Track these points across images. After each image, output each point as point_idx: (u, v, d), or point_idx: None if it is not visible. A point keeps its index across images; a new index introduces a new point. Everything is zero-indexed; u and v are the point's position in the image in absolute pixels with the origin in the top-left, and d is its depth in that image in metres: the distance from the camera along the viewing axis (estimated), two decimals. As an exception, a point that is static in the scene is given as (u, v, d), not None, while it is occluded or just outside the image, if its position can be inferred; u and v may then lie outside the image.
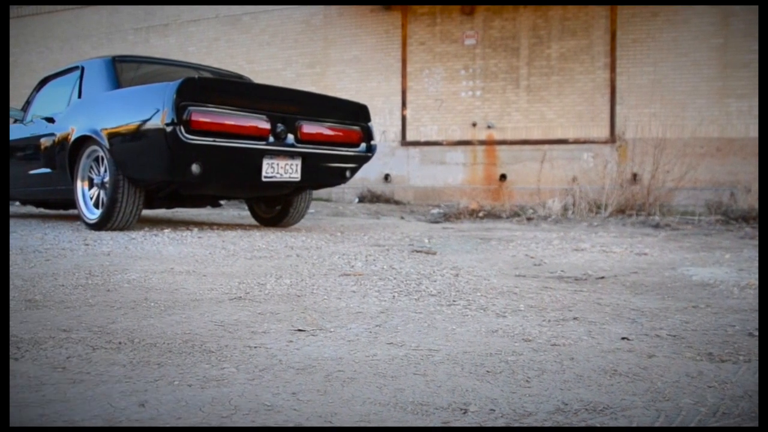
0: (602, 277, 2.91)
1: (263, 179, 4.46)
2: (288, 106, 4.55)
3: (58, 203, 5.96)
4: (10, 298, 2.17)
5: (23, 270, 2.76)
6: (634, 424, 1.13)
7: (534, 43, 9.73)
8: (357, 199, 10.03)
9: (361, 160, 5.08)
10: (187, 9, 11.20)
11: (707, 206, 7.90)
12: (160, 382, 1.33)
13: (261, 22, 10.91)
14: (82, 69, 5.10)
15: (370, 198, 10.03)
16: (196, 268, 2.90)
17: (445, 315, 2.02)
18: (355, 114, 5.05)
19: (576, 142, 9.59)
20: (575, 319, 2.01)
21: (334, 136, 4.80)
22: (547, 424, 1.13)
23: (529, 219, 7.19)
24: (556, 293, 2.47)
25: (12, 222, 5.53)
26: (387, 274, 2.81)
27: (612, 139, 9.46)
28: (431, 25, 10.18)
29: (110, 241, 3.92)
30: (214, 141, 4.08)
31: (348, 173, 5.07)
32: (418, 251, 3.69)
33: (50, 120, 5.11)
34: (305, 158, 4.64)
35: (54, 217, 6.52)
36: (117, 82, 4.72)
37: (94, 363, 1.46)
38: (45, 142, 5.11)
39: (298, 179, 4.66)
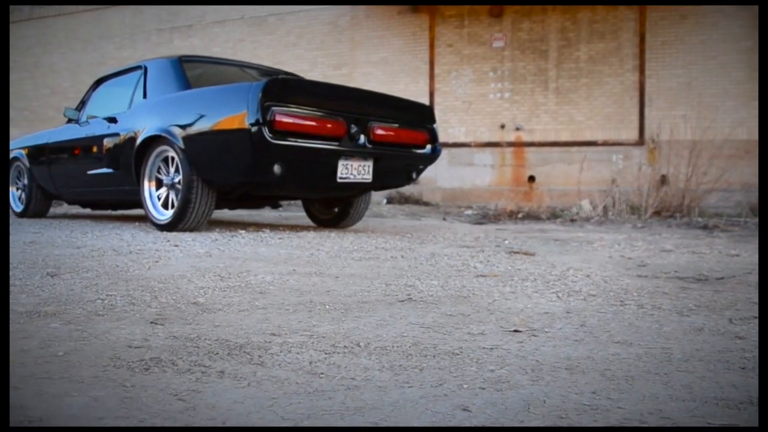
0: (721, 278, 2.92)
1: (338, 180, 4.44)
2: (361, 107, 4.54)
3: (108, 204, 5.91)
4: (173, 301, 2.15)
5: (145, 272, 2.74)
6: None
7: (562, 46, 9.77)
8: (385, 201, 10.02)
9: (427, 161, 5.08)
10: (212, 10, 11.15)
11: (741, 208, 7.96)
12: (440, 388, 1.32)
13: (287, 24, 10.88)
14: (145, 69, 5.06)
15: (398, 199, 10.02)
16: (318, 270, 2.88)
17: (629, 314, 2.02)
18: (422, 115, 5.05)
19: (605, 144, 9.63)
20: (755, 317, 2.01)
21: (403, 137, 4.80)
22: None
23: (572, 220, 7.21)
24: (696, 293, 2.48)
25: (66, 223, 5.48)
26: (519, 274, 2.80)
27: (641, 141, 9.50)
28: (459, 27, 10.20)
29: (193, 241, 3.90)
30: (296, 142, 4.06)
31: (414, 174, 5.07)
32: (516, 252, 3.69)
33: (112, 120, 5.07)
34: (377, 159, 4.63)
35: (104, 217, 6.46)
36: (187, 82, 4.69)
37: (341, 367, 1.45)
38: (108, 142, 5.06)
39: (370, 180, 4.65)
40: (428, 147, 5.03)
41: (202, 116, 4.25)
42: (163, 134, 4.45)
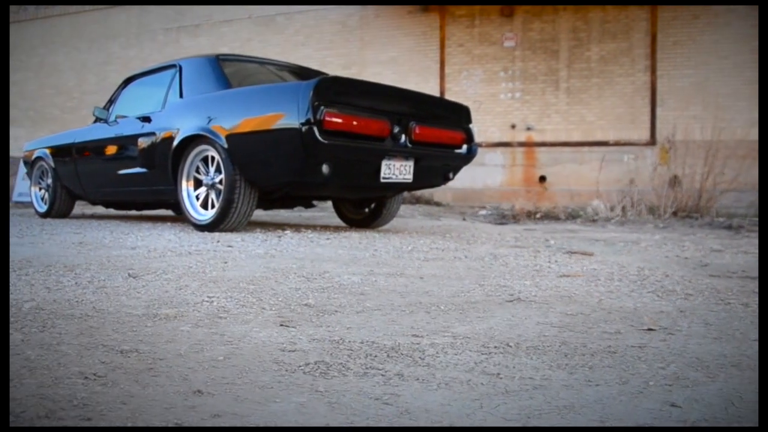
0: (794, 276, 2.93)
1: (381, 180, 4.42)
2: (402, 107, 4.51)
3: (138, 204, 5.83)
4: (282, 303, 2.12)
5: (223, 273, 2.70)
6: None
7: (574, 46, 9.81)
8: (397, 201, 9.98)
9: (463, 161, 5.07)
10: (219, 9, 11.07)
11: (754, 208, 8.02)
12: (628, 386, 1.30)
13: (296, 23, 10.83)
14: (180, 68, 5.00)
15: (409, 200, 10.00)
16: (394, 270, 2.86)
17: (741, 312, 2.02)
18: (459, 115, 5.04)
19: (616, 144, 9.67)
20: None
21: (442, 137, 4.78)
22: None
23: (593, 221, 7.23)
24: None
25: (97, 223, 5.39)
26: (599, 274, 2.80)
27: (652, 141, 9.56)
28: (470, 27, 10.20)
29: (242, 242, 3.85)
30: (344, 141, 4.03)
31: (451, 174, 5.06)
32: (573, 252, 3.68)
33: (146, 119, 5.00)
34: (417, 159, 4.61)
35: (130, 218, 6.36)
36: (227, 81, 4.64)
37: (510, 367, 1.43)
38: (142, 141, 4.99)
39: (411, 180, 4.63)
40: (464, 147, 5.02)
41: (248, 115, 4.21)
42: (204, 133, 4.39)
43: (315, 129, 3.85)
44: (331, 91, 4.02)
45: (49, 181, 6.10)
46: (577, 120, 9.84)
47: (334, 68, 10.73)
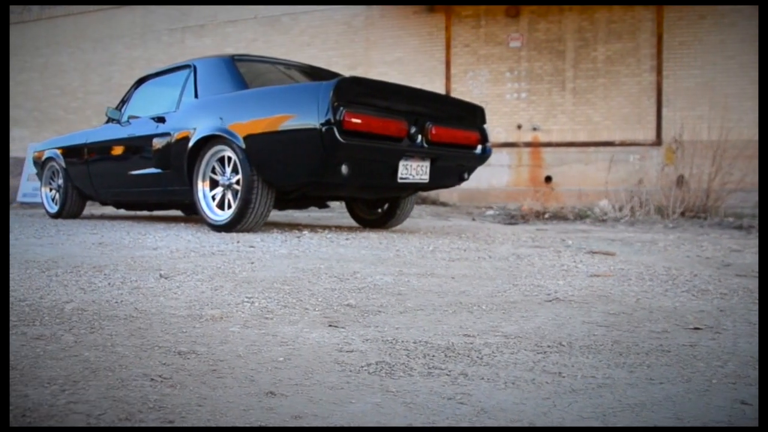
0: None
1: (398, 180, 4.42)
2: (418, 107, 4.51)
3: (150, 205, 5.81)
4: (323, 303, 2.11)
5: (253, 273, 2.70)
6: None
7: (580, 46, 9.82)
8: (403, 201, 9.98)
9: (478, 161, 5.08)
10: (224, 9, 11.06)
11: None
12: (692, 384, 1.30)
13: (301, 23, 10.82)
14: (194, 68, 5.00)
15: (415, 200, 9.98)
16: (424, 271, 2.86)
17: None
18: (474, 115, 5.05)
19: (622, 144, 9.69)
20: None
21: (457, 137, 4.78)
22: None
23: (602, 221, 7.24)
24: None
25: (110, 224, 5.38)
26: (628, 274, 2.80)
27: (658, 141, 9.58)
28: (475, 27, 10.21)
29: (262, 242, 3.85)
30: (363, 142, 4.02)
31: (466, 175, 5.06)
32: (595, 252, 3.69)
33: (160, 119, 4.99)
34: (434, 160, 4.61)
35: (142, 218, 6.35)
36: (243, 82, 4.63)
37: (569, 366, 1.43)
38: (156, 142, 4.98)
39: (427, 181, 4.63)
40: (479, 147, 5.02)
41: (266, 115, 4.20)
42: (221, 134, 4.39)
43: (335, 129, 3.85)
44: (351, 91, 4.02)
45: (60, 181, 6.08)
46: (583, 120, 9.85)
47: (339, 69, 10.72)
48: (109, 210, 7.79)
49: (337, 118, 3.88)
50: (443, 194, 10.22)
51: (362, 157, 4.13)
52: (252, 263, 2.97)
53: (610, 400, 1.21)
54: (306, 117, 3.97)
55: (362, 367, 1.39)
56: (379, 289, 2.35)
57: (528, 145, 10.08)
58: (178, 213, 7.15)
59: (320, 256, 3.26)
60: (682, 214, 7.84)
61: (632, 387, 1.30)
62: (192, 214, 6.25)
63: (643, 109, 9.62)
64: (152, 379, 1.29)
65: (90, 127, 6.30)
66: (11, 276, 2.61)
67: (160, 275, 2.59)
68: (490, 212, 8.72)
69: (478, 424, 1.08)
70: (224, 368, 1.37)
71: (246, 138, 4.25)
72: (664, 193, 8.07)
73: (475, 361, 1.45)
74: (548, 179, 10.05)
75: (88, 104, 11.86)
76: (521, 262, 3.15)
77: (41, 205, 6.89)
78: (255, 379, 1.30)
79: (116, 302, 2.08)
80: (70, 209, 6.07)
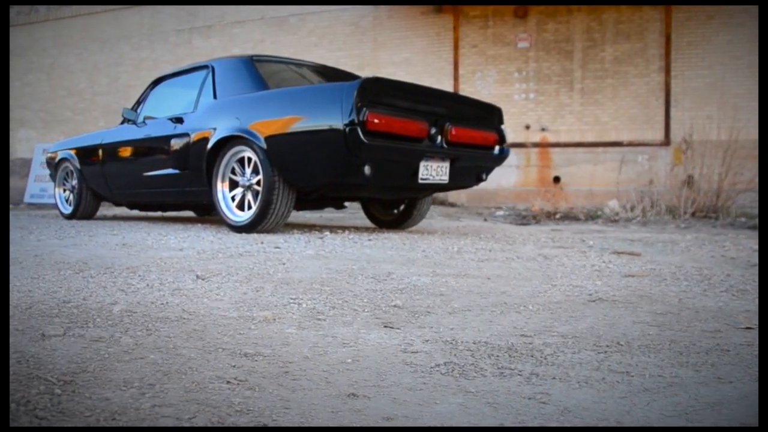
0: None
1: (419, 181, 4.42)
2: (438, 108, 4.52)
3: (167, 205, 5.81)
4: (370, 304, 2.12)
5: (287, 274, 2.70)
6: None
7: (588, 46, 9.83)
8: (412, 202, 9.99)
9: (496, 162, 5.09)
10: (232, 10, 11.06)
11: (771, 207, 8.04)
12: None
13: (308, 24, 10.83)
14: (212, 69, 5.00)
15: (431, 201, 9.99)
16: (457, 272, 2.86)
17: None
18: (492, 116, 5.06)
19: (630, 144, 9.70)
20: None
21: (476, 138, 4.79)
22: None
23: (613, 221, 7.25)
24: None
25: (127, 225, 5.38)
26: (660, 274, 2.81)
27: (667, 141, 9.59)
28: (483, 28, 10.22)
29: (286, 243, 3.85)
30: (386, 142, 4.03)
31: (484, 175, 5.07)
32: (621, 253, 3.69)
33: (178, 120, 5.00)
34: (453, 160, 4.62)
35: (157, 219, 6.35)
36: (263, 82, 4.63)
37: (634, 365, 1.44)
38: (174, 143, 4.99)
39: (446, 182, 4.64)
40: (497, 148, 5.03)
41: (288, 116, 4.21)
42: (242, 134, 4.39)
43: (359, 130, 3.86)
44: (374, 92, 4.02)
45: (74, 182, 6.08)
46: (592, 120, 9.86)
47: (347, 69, 10.72)
48: (121, 211, 7.79)
49: (361, 118, 3.89)
50: (452, 194, 10.23)
51: (385, 158, 4.14)
52: (283, 264, 2.98)
53: (686, 399, 1.22)
54: (329, 117, 3.97)
55: (432, 368, 1.40)
56: (419, 290, 2.35)
57: (536, 145, 10.09)
58: (190, 214, 7.16)
59: (348, 257, 3.27)
60: (693, 214, 7.85)
61: (703, 386, 1.30)
62: (205, 215, 6.25)
63: (651, 110, 9.63)
64: (228, 382, 1.29)
65: (97, 128, 6.30)
66: (45, 277, 2.62)
67: (197, 276, 2.59)
68: (500, 213, 8.73)
69: (566, 424, 1.08)
70: (296, 370, 1.37)
71: (267, 138, 4.26)
72: (674, 193, 8.09)
73: (541, 361, 1.46)
74: (557, 179, 10.06)
75: (96, 105, 11.85)
76: (551, 263, 3.16)
77: (49, 205, 6.90)
78: (331, 381, 1.30)
79: (162, 304, 2.08)
80: (84, 210, 6.07)
